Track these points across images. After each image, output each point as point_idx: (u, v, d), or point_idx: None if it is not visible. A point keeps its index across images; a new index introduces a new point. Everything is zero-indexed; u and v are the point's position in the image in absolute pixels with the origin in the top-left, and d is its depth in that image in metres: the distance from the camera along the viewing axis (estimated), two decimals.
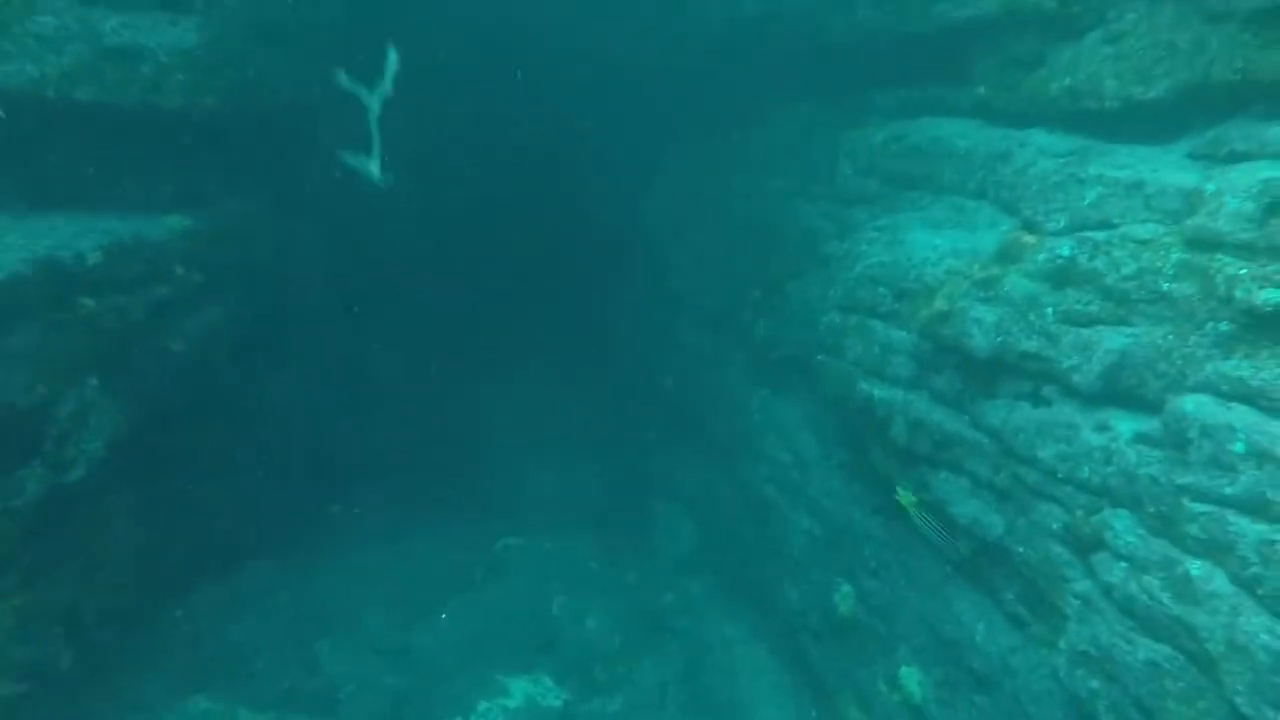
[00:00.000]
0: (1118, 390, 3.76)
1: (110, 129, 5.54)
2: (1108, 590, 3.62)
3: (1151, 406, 3.62)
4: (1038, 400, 4.14)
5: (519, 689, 6.48)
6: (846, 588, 5.86)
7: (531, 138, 11.56)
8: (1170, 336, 3.56)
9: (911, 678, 5.05)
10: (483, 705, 6.19)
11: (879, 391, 5.45)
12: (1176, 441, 3.39)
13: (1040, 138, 4.73)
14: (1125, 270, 3.76)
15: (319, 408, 8.64)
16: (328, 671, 6.46)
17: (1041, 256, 4.17)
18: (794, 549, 6.56)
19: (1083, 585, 3.76)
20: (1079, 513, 3.79)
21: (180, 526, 6.69)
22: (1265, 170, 3.37)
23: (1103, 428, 3.77)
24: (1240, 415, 3.19)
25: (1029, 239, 4.34)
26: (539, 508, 9.74)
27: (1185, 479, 3.32)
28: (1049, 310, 4.02)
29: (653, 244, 10.56)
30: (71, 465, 5.04)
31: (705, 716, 6.63)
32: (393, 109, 9.75)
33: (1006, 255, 4.47)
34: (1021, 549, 4.16)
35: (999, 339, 4.32)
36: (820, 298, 6.84)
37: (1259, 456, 3.06)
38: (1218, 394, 3.32)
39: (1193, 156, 3.94)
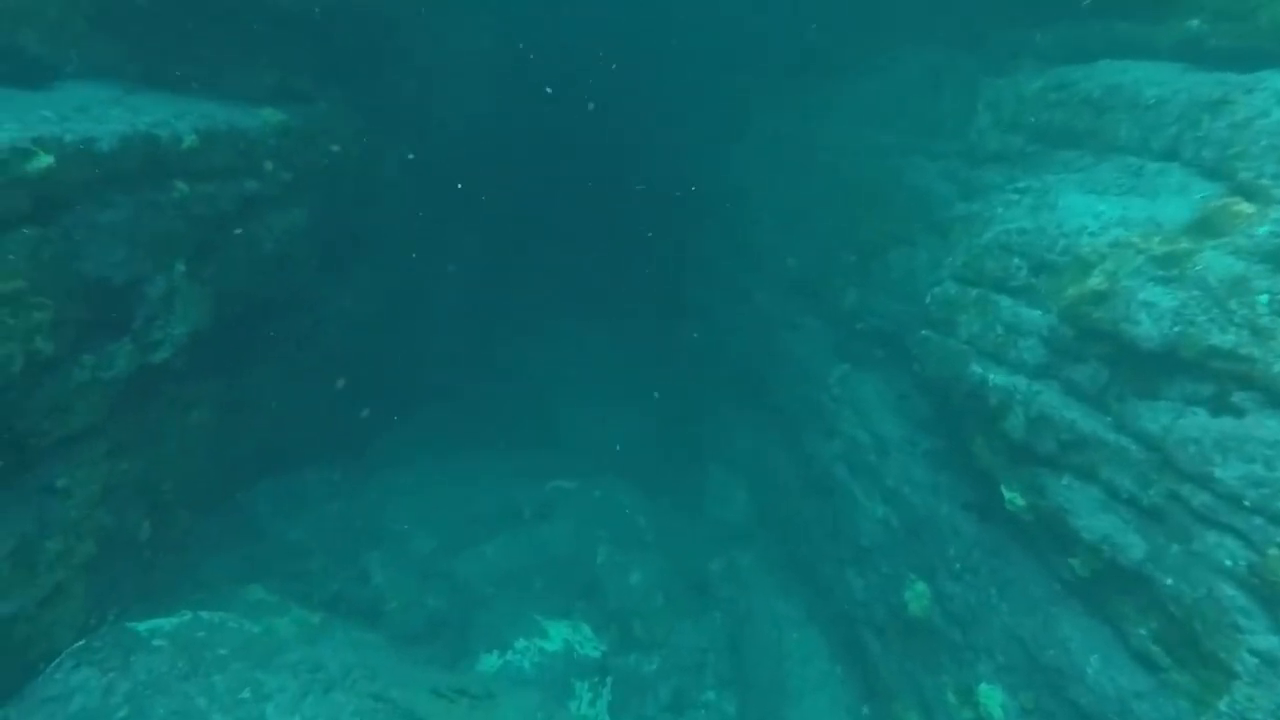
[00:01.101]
0: None
1: (224, 13, 5.41)
2: None
3: None
4: (1222, 408, 3.42)
5: (557, 633, 6.36)
6: (921, 586, 5.32)
7: (616, 76, 11.04)
8: None
9: (993, 697, 4.51)
10: (520, 643, 6.11)
11: (996, 377, 4.78)
12: None
13: (1276, 80, 3.83)
14: None
15: (386, 322, 8.64)
16: (375, 583, 6.52)
17: (1263, 230, 3.38)
18: (862, 535, 6.04)
19: (1265, 641, 3.11)
20: (1273, 552, 3.11)
21: (251, 421, 6.82)
22: None
23: None
24: None
25: (1244, 208, 3.54)
26: (591, 453, 9.57)
27: None
28: (1262, 298, 3.26)
29: (737, 198, 9.92)
30: (158, 346, 5.08)
31: (746, 693, 6.34)
32: (478, 46, 9.57)
33: (1206, 227, 3.68)
34: (1170, 581, 3.51)
35: (1176, 329, 3.59)
36: (930, 267, 6.11)
37: None
38: None
39: None
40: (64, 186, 4.00)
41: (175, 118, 4.90)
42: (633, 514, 8.27)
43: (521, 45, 9.83)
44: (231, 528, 6.42)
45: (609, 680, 5.93)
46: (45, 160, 3.74)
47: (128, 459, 5.19)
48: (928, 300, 5.39)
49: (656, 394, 10.40)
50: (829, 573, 6.43)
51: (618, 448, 9.73)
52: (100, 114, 4.43)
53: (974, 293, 5.08)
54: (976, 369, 4.89)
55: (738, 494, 8.73)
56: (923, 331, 5.40)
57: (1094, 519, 4.08)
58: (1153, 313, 3.79)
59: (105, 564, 4.90)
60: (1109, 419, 4.12)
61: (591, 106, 10.79)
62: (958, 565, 5.19)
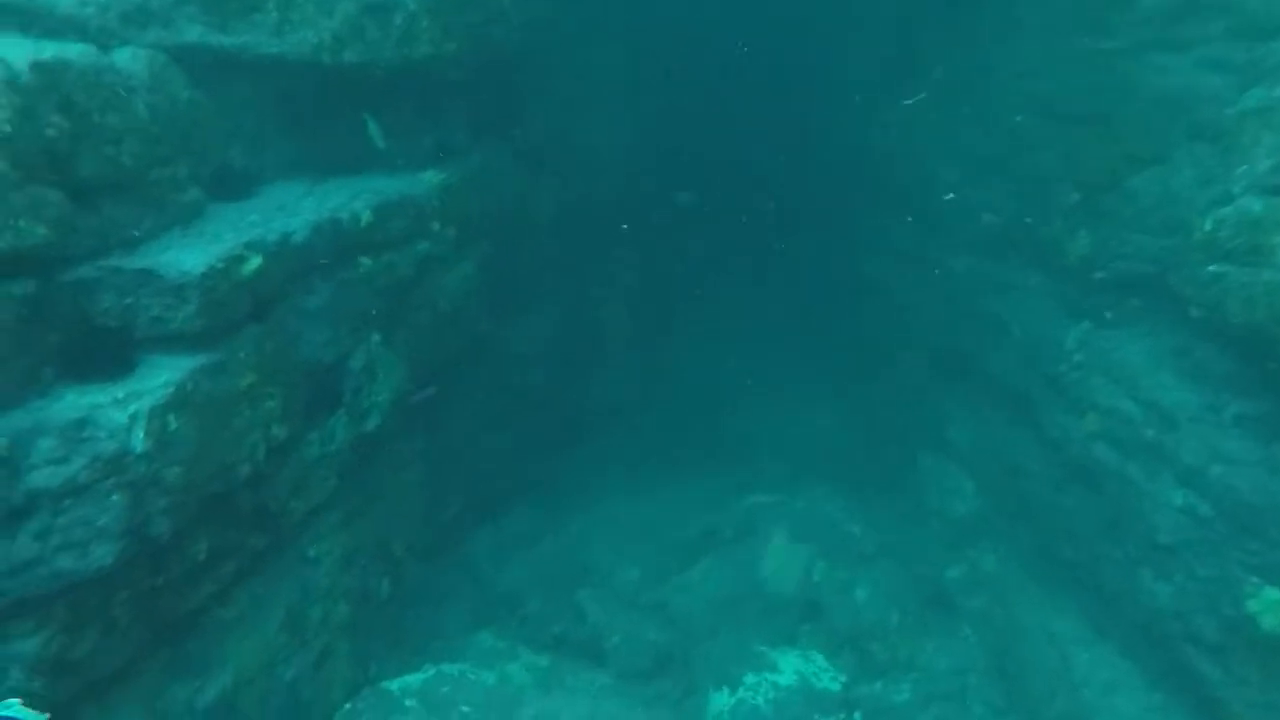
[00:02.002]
0: None
1: (374, 88, 5.69)
2: None
3: None
4: None
5: (788, 664, 5.86)
6: (1272, 593, 4.16)
7: (755, 54, 10.42)
8: None
9: None
10: (749, 678, 5.70)
11: None
12: None
13: None
14: None
15: (560, 355, 8.73)
16: (592, 621, 6.47)
17: None
18: (1159, 531, 4.90)
19: None
20: None
21: (455, 471, 7.12)
22: None
23: None
24: None
25: None
26: (786, 460, 8.91)
27: None
28: None
29: (907, 156, 8.84)
30: (368, 414, 5.39)
31: None
32: (614, 73, 9.59)
33: None
34: None
35: None
36: (1201, 183, 4.85)
37: None
38: None
39: None
40: (274, 281, 4.29)
41: (353, 198, 5.17)
42: (843, 521, 7.56)
43: (655, 60, 9.66)
44: (455, 578, 6.70)
45: (857, 716, 5.33)
46: (256, 261, 4.03)
47: (360, 523, 5.55)
48: (1209, 226, 4.24)
49: (843, 382, 9.58)
50: (1114, 577, 5.33)
51: (810, 447, 9.07)
52: (295, 208, 4.76)
53: None
54: None
55: (962, 485, 7.68)
56: (1210, 267, 4.26)
57: None
58: None
59: (360, 623, 5.26)
60: None
61: (733, 97, 10.33)
62: None
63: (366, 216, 5.17)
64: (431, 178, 6.03)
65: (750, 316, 11.26)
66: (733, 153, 10.88)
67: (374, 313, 5.42)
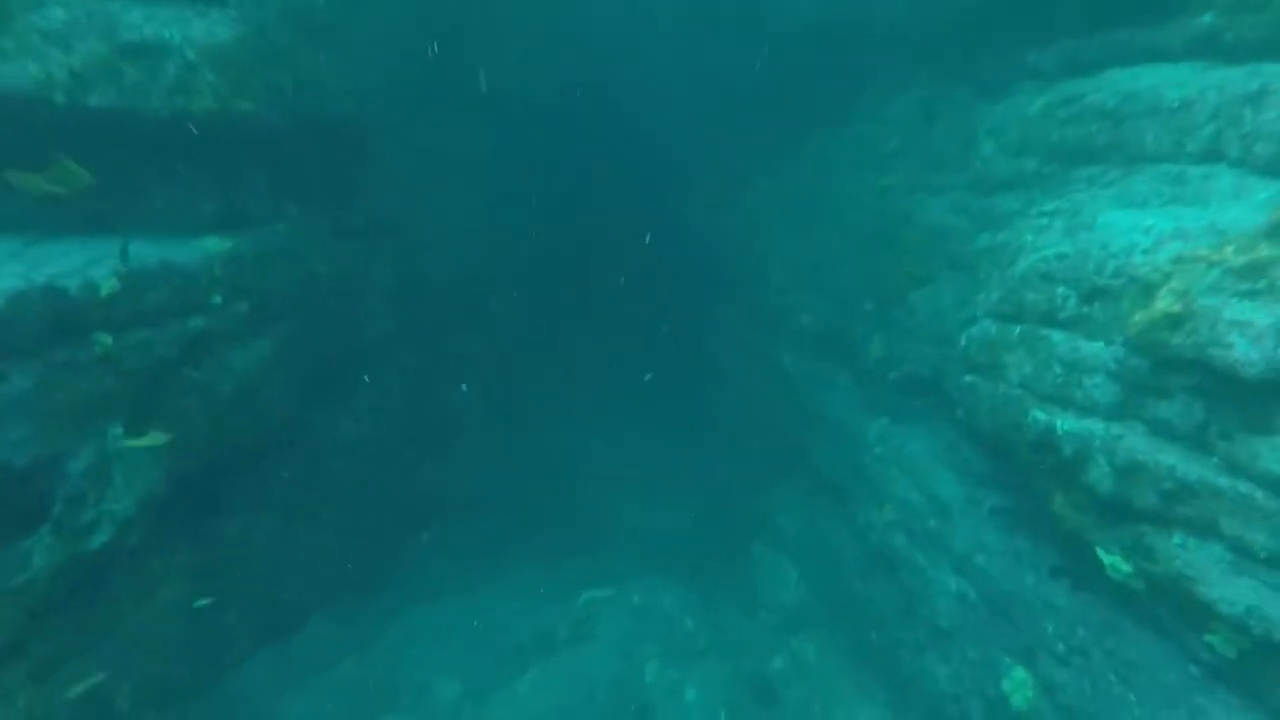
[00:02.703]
0: None
1: (134, 139, 4.90)
2: None
3: None
4: None
5: None
6: (1020, 673, 4.53)
7: (616, 153, 10.83)
8: None
9: None
10: None
11: (1064, 423, 4.17)
12: None
13: None
14: None
15: (398, 442, 7.92)
16: None
17: None
18: (939, 615, 5.26)
19: None
20: None
21: (238, 583, 5.97)
22: None
23: None
24: None
25: None
26: (628, 550, 8.71)
27: None
28: None
29: (746, 260, 9.50)
30: (91, 530, 4.32)
31: None
32: (472, 130, 9.45)
33: None
34: None
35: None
36: (959, 305, 5.58)
37: None
38: None
39: None
40: None
41: (90, 264, 4.30)
42: (679, 616, 7.41)
43: (512, 138, 9.62)
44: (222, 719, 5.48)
45: None
46: None
47: (63, 672, 4.34)
48: (963, 343, 4.82)
49: (689, 475, 9.63)
50: (908, 661, 5.60)
51: (655, 538, 8.94)
52: None
53: (1018, 330, 4.52)
54: (1040, 415, 4.28)
55: (789, 574, 7.90)
56: (966, 378, 4.80)
57: (1229, 586, 3.38)
58: (1247, 333, 3.22)
59: None
60: (1215, 460, 3.49)
61: (593, 194, 10.54)
62: (1061, 646, 4.42)
63: (110, 285, 4.31)
64: (214, 245, 5.26)
65: (605, 403, 11.14)
66: (588, 236, 11.00)
67: (117, 400, 4.46)
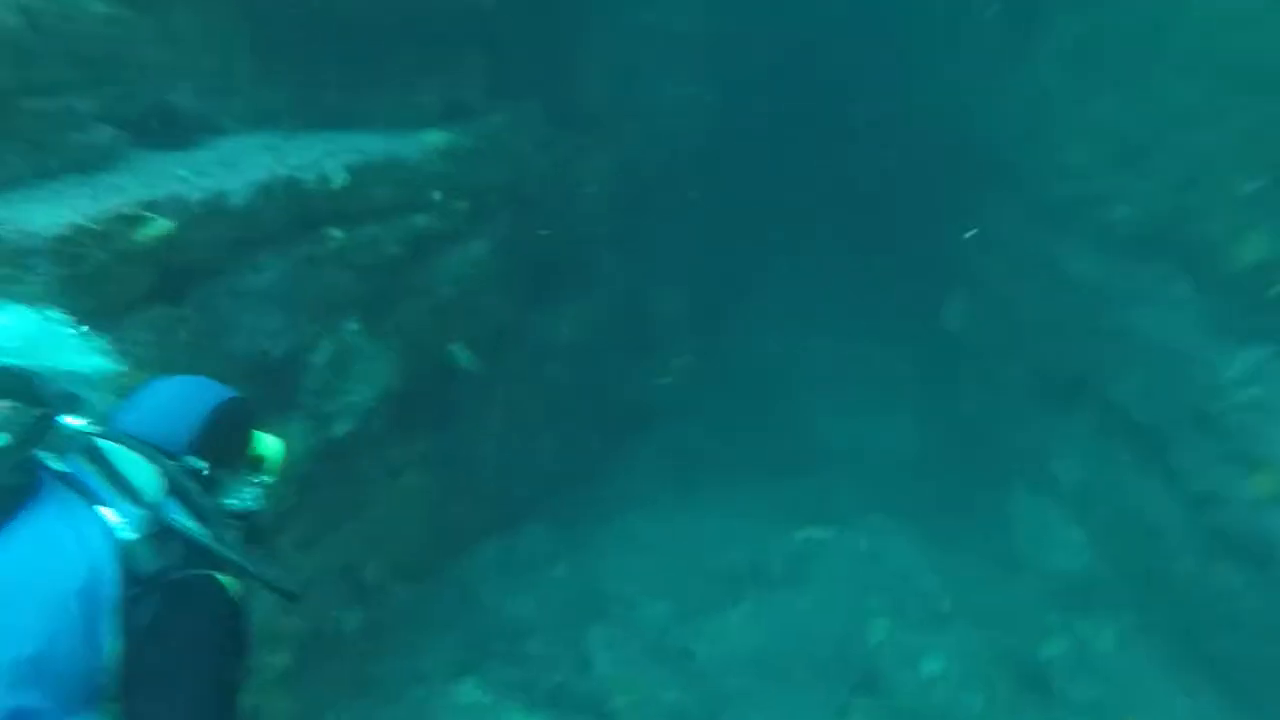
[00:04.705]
0: None
1: (372, 31, 4.78)
2: None
3: None
4: None
5: None
6: None
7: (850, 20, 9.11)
8: None
9: None
10: None
11: None
12: None
13: None
14: None
15: (603, 347, 7.76)
16: (599, 672, 5.45)
17: None
18: None
19: None
20: None
21: (469, 478, 6.20)
22: None
23: None
24: None
25: None
26: (855, 480, 7.68)
27: None
28: None
29: (1025, 137, 7.39)
30: (336, 418, 4.50)
31: None
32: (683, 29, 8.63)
33: None
34: None
35: None
36: None
37: None
38: None
39: None
40: (195, 252, 3.40)
41: (325, 157, 4.24)
42: (916, 569, 6.31)
43: (740, 19, 8.67)
44: (451, 602, 5.81)
45: None
46: (161, 226, 3.12)
47: (322, 545, 4.70)
48: None
49: (927, 395, 8.24)
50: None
51: (882, 466, 7.84)
52: (244, 163, 3.86)
53: None
54: None
55: (1068, 534, 6.39)
56: None
57: None
58: None
59: (309, 671, 4.41)
60: None
61: (825, 64, 9.21)
62: None
63: (341, 179, 4.23)
64: (434, 138, 5.06)
65: (826, 305, 9.96)
66: (822, 122, 9.62)
67: (352, 297, 4.52)
